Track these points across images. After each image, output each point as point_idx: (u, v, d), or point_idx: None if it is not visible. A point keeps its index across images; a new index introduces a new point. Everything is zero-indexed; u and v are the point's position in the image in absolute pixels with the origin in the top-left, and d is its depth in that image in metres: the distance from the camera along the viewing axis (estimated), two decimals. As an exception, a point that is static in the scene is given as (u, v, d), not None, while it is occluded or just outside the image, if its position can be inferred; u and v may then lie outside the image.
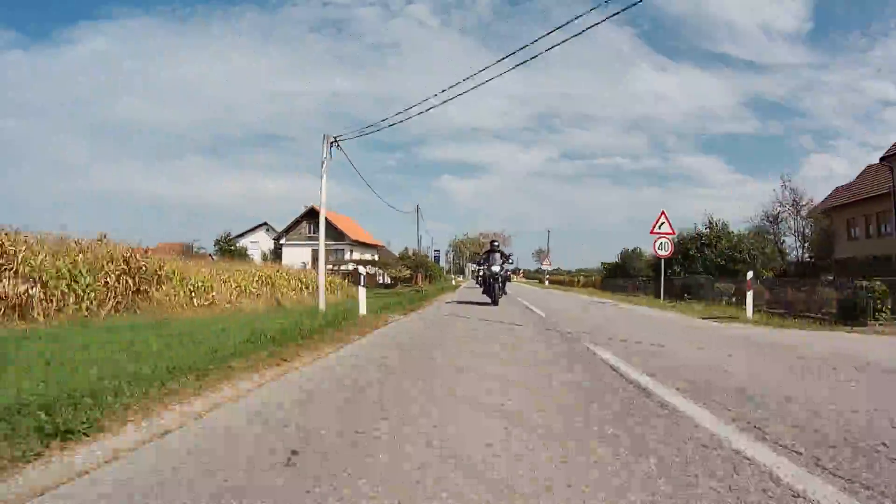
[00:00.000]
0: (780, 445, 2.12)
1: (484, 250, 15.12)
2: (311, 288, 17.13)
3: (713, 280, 14.84)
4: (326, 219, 27.26)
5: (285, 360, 4.21)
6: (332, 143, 13.08)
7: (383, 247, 45.45)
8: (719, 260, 16.76)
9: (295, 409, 2.77)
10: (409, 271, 31.95)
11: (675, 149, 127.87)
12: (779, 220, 19.71)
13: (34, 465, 1.85)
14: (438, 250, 54.26)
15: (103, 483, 1.74)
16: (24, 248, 7.65)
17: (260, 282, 14.33)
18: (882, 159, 20.74)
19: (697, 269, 16.70)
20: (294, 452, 2.01)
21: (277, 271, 16.37)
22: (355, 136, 13.43)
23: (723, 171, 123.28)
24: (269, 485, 1.71)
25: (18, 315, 6.92)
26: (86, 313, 7.81)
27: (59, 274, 7.80)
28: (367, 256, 37.83)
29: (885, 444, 2.13)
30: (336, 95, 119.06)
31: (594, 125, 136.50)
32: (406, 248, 41.47)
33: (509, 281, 13.92)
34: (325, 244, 36.18)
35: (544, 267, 46.34)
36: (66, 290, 7.75)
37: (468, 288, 22.24)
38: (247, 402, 2.93)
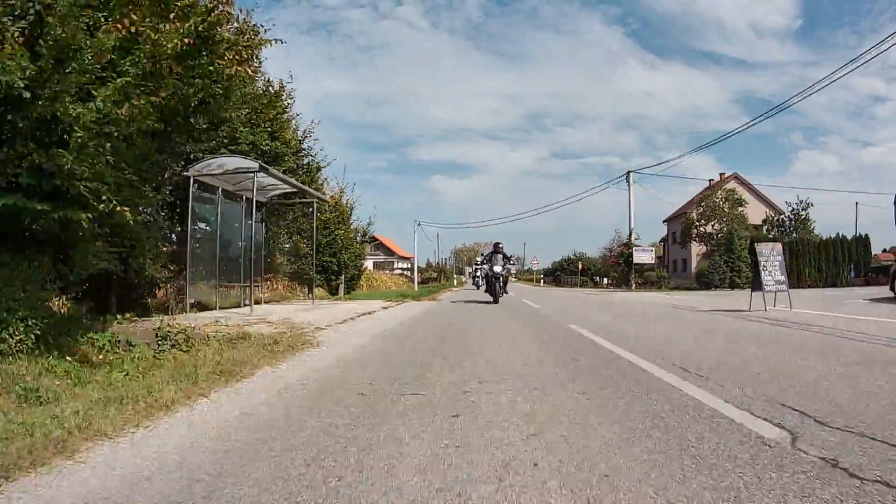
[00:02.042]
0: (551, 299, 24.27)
1: (487, 251, 15.63)
2: (397, 283, 39.45)
3: (569, 276, 37.14)
4: (381, 241, 54.75)
5: (434, 299, 26.29)
6: (418, 224, 35.80)
7: (412, 256, 67.80)
8: (576, 268, 39.00)
9: (448, 304, 24.83)
10: (434, 273, 53.79)
11: (666, 147, 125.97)
12: (612, 251, 41.22)
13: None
14: (445, 258, 76.31)
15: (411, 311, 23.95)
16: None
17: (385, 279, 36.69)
18: (664, 221, 42.92)
19: (568, 273, 38.91)
20: (448, 320, 24.25)
21: (388, 276, 38.62)
22: (430, 224, 36.17)
23: (714, 168, 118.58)
24: (449, 309, 23.88)
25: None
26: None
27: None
28: (405, 265, 59.85)
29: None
30: (327, 97, 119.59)
31: (585, 124, 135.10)
32: (428, 260, 63.65)
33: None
34: (383, 259, 65.47)
35: (513, 270, 69.57)
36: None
37: (467, 290, 30.81)
38: (433, 301, 25.05)
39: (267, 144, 9.44)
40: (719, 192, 35.38)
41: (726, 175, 40.74)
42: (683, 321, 7.37)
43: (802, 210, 36.64)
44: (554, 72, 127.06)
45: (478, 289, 16.15)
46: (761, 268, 7.82)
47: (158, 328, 4.49)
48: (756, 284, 8.02)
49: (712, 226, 34.29)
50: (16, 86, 3.21)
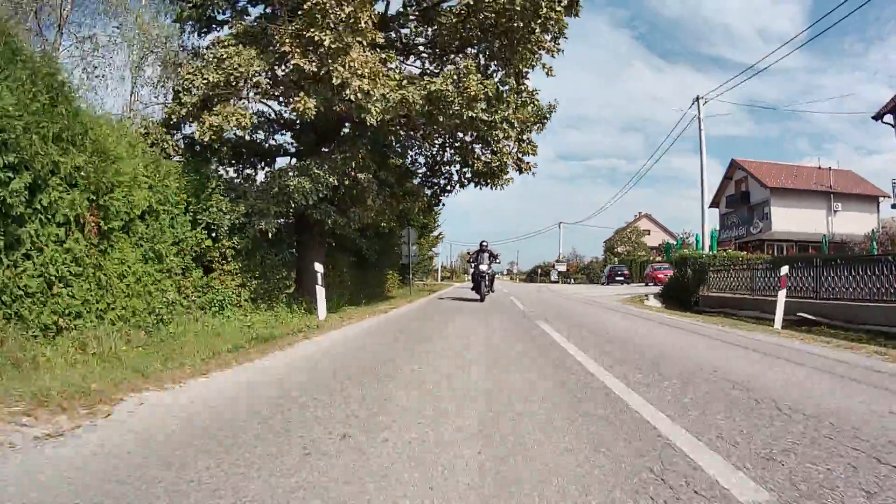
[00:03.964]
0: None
1: (474, 250, 16.12)
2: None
3: (539, 277, 59.07)
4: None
5: (462, 284, 48.24)
6: (442, 239, 57.96)
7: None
8: (541, 270, 60.93)
9: (467, 284, 46.58)
10: (448, 273, 75.81)
11: (670, 150, 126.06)
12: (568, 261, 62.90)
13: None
14: (453, 261, 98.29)
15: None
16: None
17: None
18: (603, 242, 64.57)
19: (538, 275, 60.77)
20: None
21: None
22: (451, 243, 58.56)
23: (717, 173, 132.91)
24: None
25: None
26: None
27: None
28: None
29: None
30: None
31: (590, 126, 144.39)
32: (442, 263, 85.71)
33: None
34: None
35: (504, 271, 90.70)
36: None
37: (464, 288, 32.98)
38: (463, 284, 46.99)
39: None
40: (630, 227, 57.12)
41: (642, 213, 62.62)
42: (536, 290, 29.09)
43: (686, 238, 58.23)
44: (560, 73, 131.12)
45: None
46: (551, 272, 29.37)
47: (424, 283, 26.58)
48: (551, 279, 29.60)
49: (622, 248, 56.17)
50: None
